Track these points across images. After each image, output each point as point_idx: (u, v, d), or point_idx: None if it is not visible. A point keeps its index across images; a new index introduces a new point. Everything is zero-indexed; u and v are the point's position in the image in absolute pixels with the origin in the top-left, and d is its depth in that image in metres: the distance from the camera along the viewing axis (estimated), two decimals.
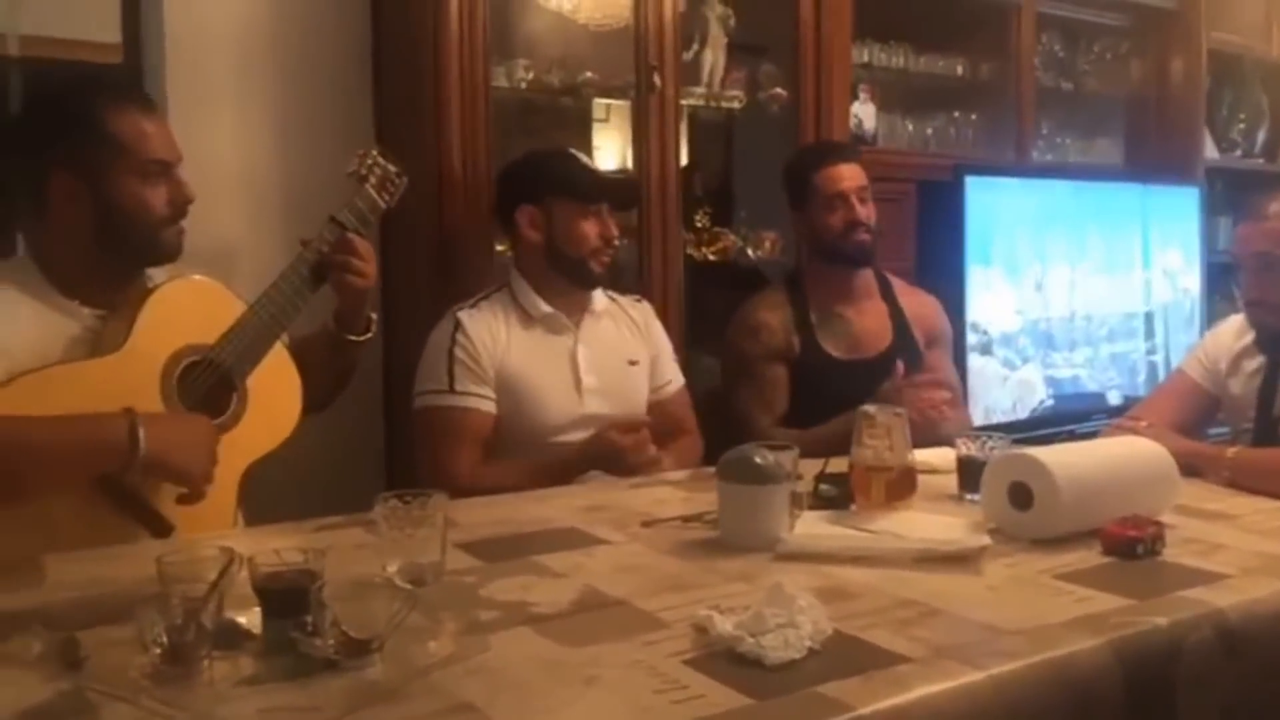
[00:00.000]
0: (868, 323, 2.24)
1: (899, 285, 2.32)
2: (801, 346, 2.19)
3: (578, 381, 1.89)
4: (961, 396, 2.17)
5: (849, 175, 2.20)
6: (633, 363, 1.96)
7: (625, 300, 2.05)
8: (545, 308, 1.90)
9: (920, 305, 2.32)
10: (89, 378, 1.39)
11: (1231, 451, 1.67)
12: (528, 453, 1.83)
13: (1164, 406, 1.93)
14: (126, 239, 1.47)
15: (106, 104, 1.46)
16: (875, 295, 2.26)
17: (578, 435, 1.82)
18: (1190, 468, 1.61)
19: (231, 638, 0.96)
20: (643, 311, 2.05)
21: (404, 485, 1.19)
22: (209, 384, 1.48)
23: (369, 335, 1.69)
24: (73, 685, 0.89)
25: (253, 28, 2.25)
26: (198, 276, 1.56)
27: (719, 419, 2.15)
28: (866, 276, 2.26)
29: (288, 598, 0.96)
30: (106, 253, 1.47)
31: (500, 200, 1.97)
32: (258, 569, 0.99)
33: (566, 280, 1.91)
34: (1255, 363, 1.86)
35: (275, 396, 1.55)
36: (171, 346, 1.45)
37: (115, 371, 1.40)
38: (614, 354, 1.95)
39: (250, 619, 0.99)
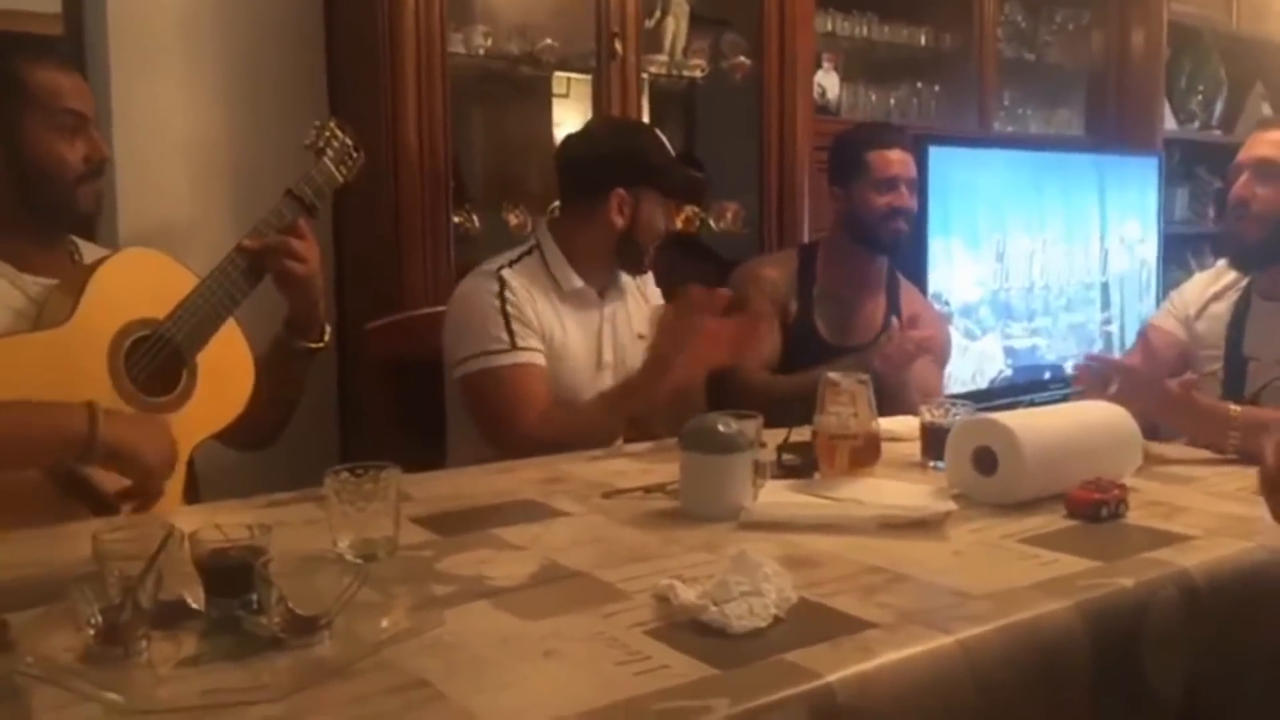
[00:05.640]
0: (864, 312, 2.25)
1: (907, 290, 2.32)
2: (796, 314, 2.20)
3: (599, 357, 1.90)
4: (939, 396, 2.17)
5: (904, 161, 2.21)
6: (641, 336, 1.95)
7: None
8: (578, 282, 1.88)
9: (917, 314, 2.28)
10: (34, 351, 1.34)
11: (1235, 410, 1.63)
12: None
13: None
14: (43, 195, 1.43)
15: (23, 59, 1.43)
16: (880, 288, 2.26)
17: None
18: (1195, 436, 1.61)
19: (172, 617, 0.92)
20: (645, 280, 2.05)
21: (358, 462, 1.15)
22: (159, 360, 1.43)
23: (323, 345, 1.62)
24: (1, 669, 0.84)
25: None
26: (147, 249, 1.52)
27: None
28: (880, 265, 2.26)
29: (231, 574, 0.92)
30: (28, 211, 1.43)
31: (588, 176, 1.89)
32: (200, 545, 0.95)
33: (621, 264, 1.92)
34: (1224, 305, 1.89)
35: (226, 374, 1.50)
36: (120, 320, 1.41)
37: (61, 345, 1.36)
38: (629, 330, 1.96)
39: (193, 597, 0.95)
